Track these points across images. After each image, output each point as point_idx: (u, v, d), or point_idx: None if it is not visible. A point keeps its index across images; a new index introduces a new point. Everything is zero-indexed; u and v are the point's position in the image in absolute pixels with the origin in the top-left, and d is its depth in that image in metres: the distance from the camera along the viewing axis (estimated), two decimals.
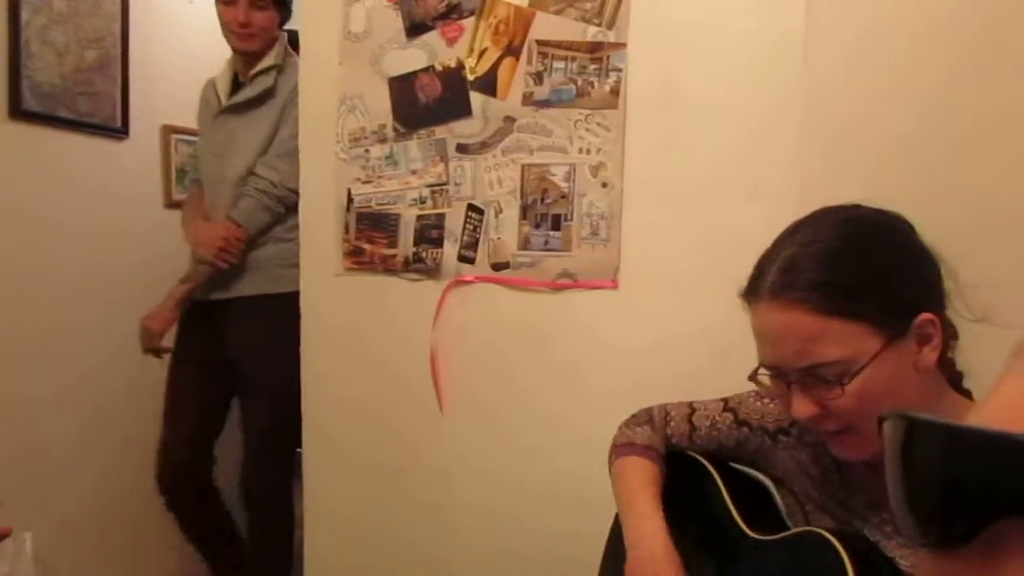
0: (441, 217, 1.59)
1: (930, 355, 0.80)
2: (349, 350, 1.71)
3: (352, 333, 1.70)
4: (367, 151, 1.65)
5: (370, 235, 1.66)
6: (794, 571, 0.86)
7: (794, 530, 0.92)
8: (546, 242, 1.48)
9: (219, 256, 1.90)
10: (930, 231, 0.85)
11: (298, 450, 1.83)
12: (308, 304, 1.74)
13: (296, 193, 1.80)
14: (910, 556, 0.82)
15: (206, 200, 2.02)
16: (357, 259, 1.67)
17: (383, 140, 1.63)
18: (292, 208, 1.86)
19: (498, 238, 1.53)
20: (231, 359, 1.97)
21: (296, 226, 1.81)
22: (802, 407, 0.81)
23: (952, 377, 0.87)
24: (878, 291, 0.80)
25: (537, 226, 1.49)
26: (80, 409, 2.13)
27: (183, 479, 1.98)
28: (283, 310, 1.78)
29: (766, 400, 1.03)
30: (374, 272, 1.66)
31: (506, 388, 1.55)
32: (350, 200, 1.67)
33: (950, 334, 0.83)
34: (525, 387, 1.53)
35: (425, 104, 1.58)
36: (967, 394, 0.88)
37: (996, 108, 1.13)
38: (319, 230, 1.71)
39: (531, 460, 1.54)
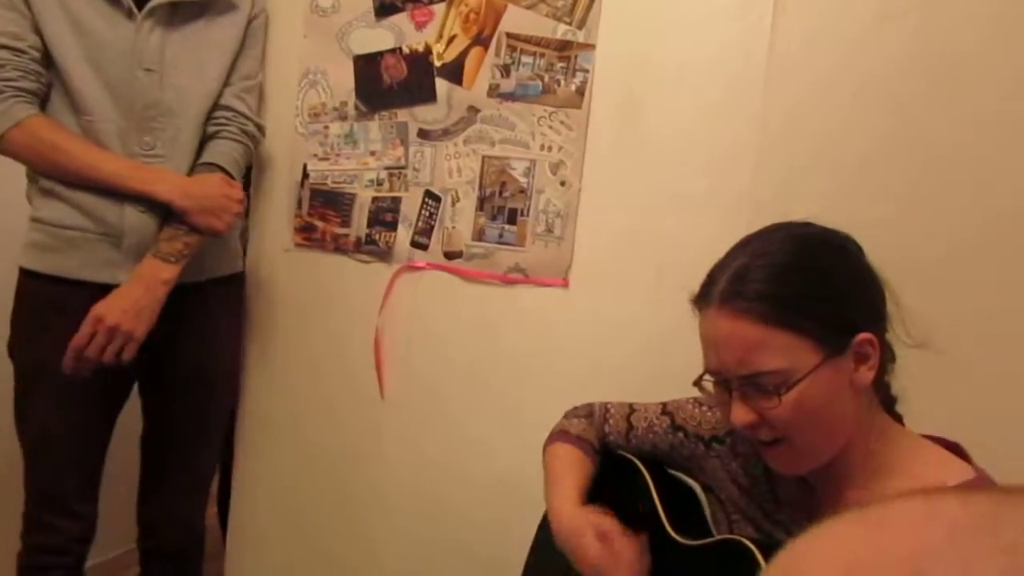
0: (397, 201, 1.56)
1: (866, 374, 0.82)
2: (293, 328, 1.67)
3: (297, 311, 1.67)
4: (326, 128, 1.61)
5: (323, 212, 1.63)
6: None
7: (717, 537, 0.93)
8: (500, 235, 1.48)
9: (231, 221, 1.42)
10: (876, 255, 0.87)
11: None
12: (255, 279, 1.70)
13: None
14: None
15: (110, 132, 1.35)
16: (308, 235, 1.64)
17: (343, 118, 1.60)
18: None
19: (453, 227, 1.52)
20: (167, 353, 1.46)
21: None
22: (740, 414, 0.83)
23: (885, 399, 0.89)
24: (821, 307, 0.82)
25: (493, 218, 1.48)
26: None
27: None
28: (238, 293, 1.61)
29: (704, 408, 1.04)
30: (324, 250, 1.63)
31: (449, 378, 1.54)
32: (305, 176, 1.63)
33: (888, 356, 0.85)
34: (468, 378, 1.53)
35: (389, 86, 1.56)
36: (899, 418, 0.91)
37: (949, 143, 1.17)
38: (271, 203, 1.67)
39: (470, 451, 1.53)
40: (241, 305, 1.65)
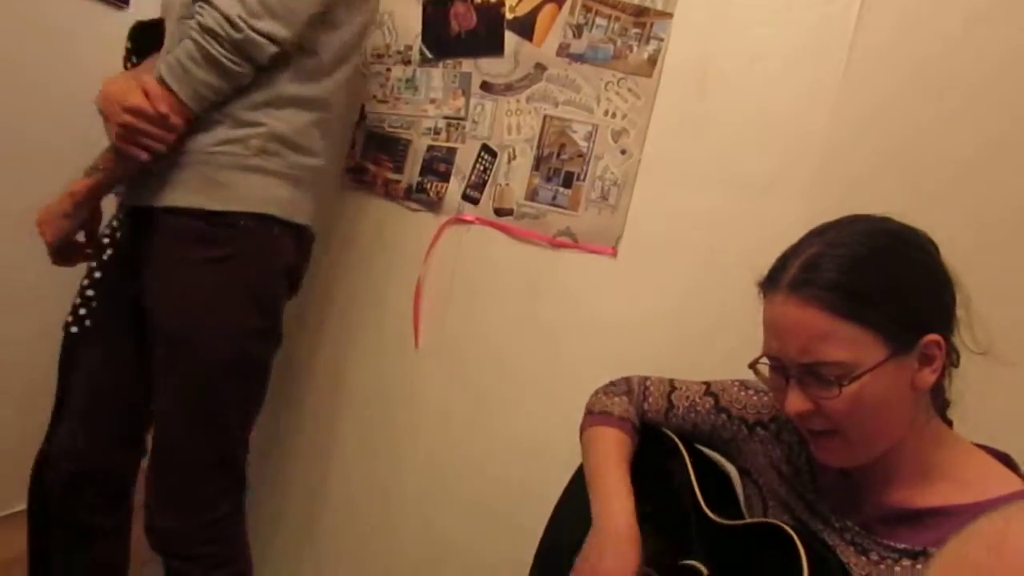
0: (452, 152, 1.55)
1: (929, 376, 0.81)
2: (333, 267, 1.68)
3: (339, 251, 1.67)
4: (388, 70, 1.60)
5: (376, 156, 1.62)
6: (751, 558, 0.87)
7: (757, 519, 0.94)
8: (554, 197, 1.46)
9: (128, 137, 1.14)
10: (952, 257, 0.86)
11: None
12: None
13: (272, 40, 1.14)
14: (865, 565, 0.84)
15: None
16: (358, 177, 1.63)
17: (406, 62, 1.58)
18: (262, 65, 1.17)
19: (506, 184, 1.51)
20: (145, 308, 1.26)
21: (268, 104, 1.20)
22: (796, 402, 0.82)
23: (939, 403, 0.88)
24: (893, 304, 0.80)
25: (548, 179, 1.47)
26: None
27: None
28: (217, 240, 1.19)
29: (749, 391, 1.04)
30: (373, 194, 1.63)
31: (485, 336, 1.54)
32: (362, 117, 1.62)
33: (951, 360, 0.84)
34: (504, 338, 1.53)
35: (457, 34, 1.53)
36: (949, 423, 0.90)
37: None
38: None
39: (496, 410, 1.54)
40: (227, 254, 1.21)
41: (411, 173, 1.59)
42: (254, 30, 1.13)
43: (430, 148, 1.57)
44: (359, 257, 1.65)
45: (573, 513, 1.15)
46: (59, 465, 1.34)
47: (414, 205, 1.59)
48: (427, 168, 1.58)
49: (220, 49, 1.13)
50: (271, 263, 1.25)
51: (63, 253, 1.27)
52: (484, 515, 1.54)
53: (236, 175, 1.20)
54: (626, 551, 0.96)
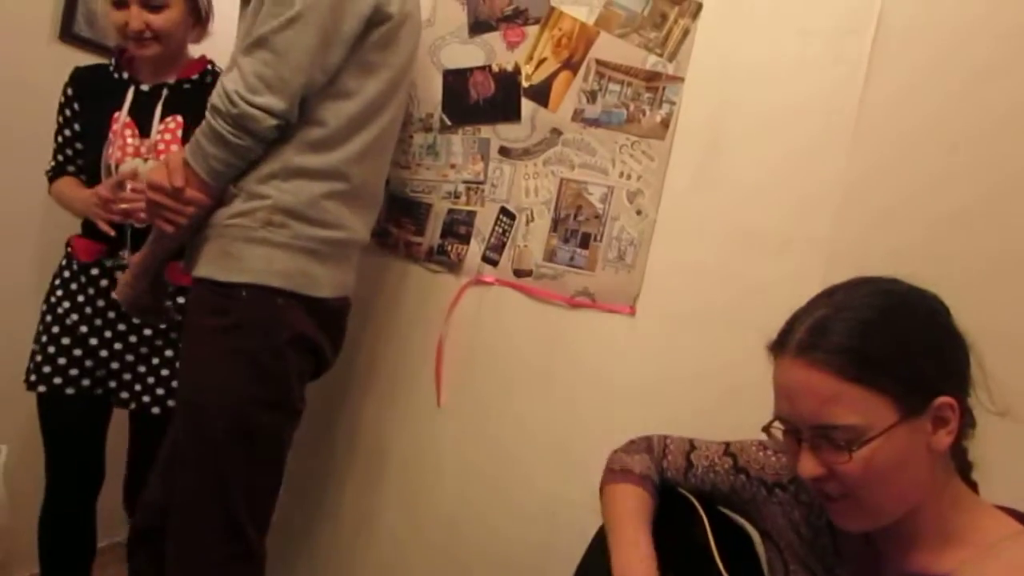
0: (472, 215, 1.59)
1: (944, 439, 0.81)
2: (358, 328, 1.71)
3: (363, 312, 1.71)
4: (411, 137, 1.66)
5: (399, 219, 1.67)
6: None
7: None
8: (572, 258, 1.49)
9: (153, 212, 1.26)
10: (960, 316, 0.86)
11: None
12: None
13: (270, 113, 1.18)
14: None
15: None
16: (381, 240, 1.68)
17: (428, 129, 1.64)
18: (265, 138, 1.22)
19: (525, 246, 1.54)
20: None
21: (274, 176, 1.23)
22: (809, 466, 0.82)
23: (961, 466, 0.88)
24: (902, 367, 0.80)
25: (566, 241, 1.50)
26: None
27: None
28: (225, 310, 1.23)
29: (768, 452, 1.04)
30: (396, 256, 1.67)
31: (506, 395, 1.56)
32: (385, 182, 1.67)
33: (968, 421, 0.84)
34: (525, 397, 1.54)
35: (476, 102, 1.59)
36: (974, 486, 0.89)
37: None
38: None
39: (516, 471, 1.54)
40: (233, 323, 1.24)
41: (432, 235, 1.63)
42: (251, 104, 1.18)
43: (450, 211, 1.62)
44: (382, 318, 1.69)
45: (596, 573, 1.14)
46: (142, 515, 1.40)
47: (435, 267, 1.63)
48: (448, 231, 1.62)
49: (223, 124, 1.19)
50: (275, 334, 1.25)
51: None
52: (511, 570, 1.53)
53: (243, 247, 1.24)
54: None
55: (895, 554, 0.85)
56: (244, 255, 1.24)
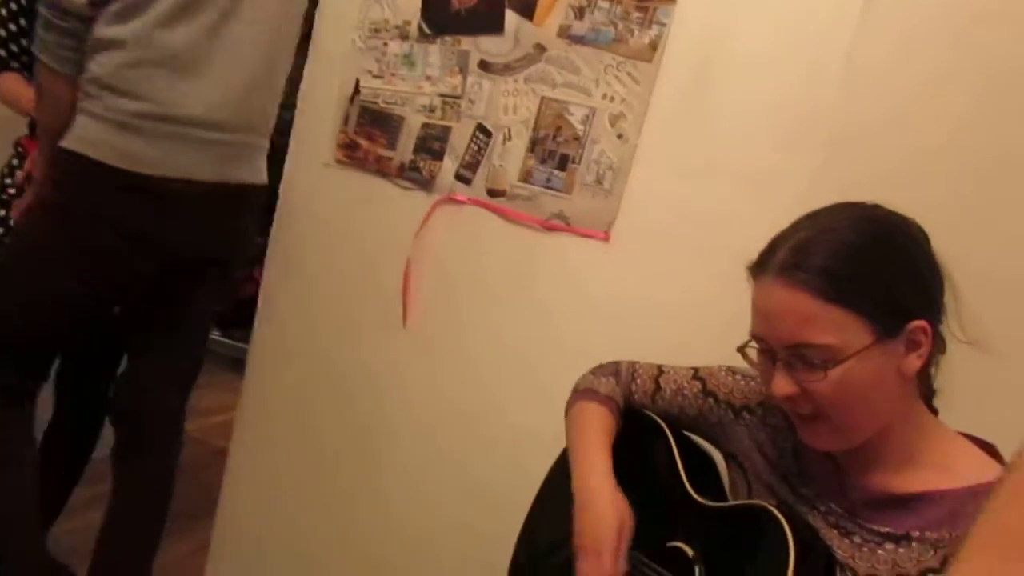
0: (447, 131, 1.54)
1: (915, 362, 0.82)
2: (321, 243, 1.67)
3: (328, 228, 1.66)
4: (385, 45, 1.58)
5: (369, 132, 1.60)
6: (737, 540, 0.88)
7: (744, 501, 0.94)
8: (548, 180, 1.46)
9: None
10: (939, 246, 0.86)
11: None
12: (290, 187, 1.69)
13: None
14: (848, 548, 0.84)
15: None
16: (350, 153, 1.62)
17: (404, 37, 1.57)
18: (82, 15, 1.28)
19: (500, 165, 1.50)
20: None
21: (91, 49, 1.30)
22: (782, 385, 0.83)
23: (925, 391, 0.89)
24: (880, 289, 0.81)
25: (543, 162, 1.46)
26: None
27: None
28: (56, 168, 1.35)
29: (737, 376, 1.04)
30: (365, 170, 1.61)
31: (474, 317, 1.54)
32: (356, 92, 1.61)
33: (938, 348, 0.84)
34: (494, 320, 1.52)
35: (457, 11, 1.52)
36: (935, 412, 0.90)
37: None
38: (316, 115, 1.65)
39: (484, 395, 1.53)
40: (56, 179, 1.38)
41: (404, 150, 1.58)
42: None
43: (424, 126, 1.56)
44: (348, 234, 1.64)
45: (554, 505, 1.15)
46: None
47: (406, 183, 1.58)
48: (421, 146, 1.56)
49: (46, 10, 1.27)
50: (81, 198, 1.33)
51: None
52: (479, 496, 1.53)
53: (74, 118, 1.34)
54: (613, 516, 0.96)
55: (859, 474, 0.87)
56: (72, 124, 1.33)
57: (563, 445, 1.17)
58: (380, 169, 1.60)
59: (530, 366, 1.49)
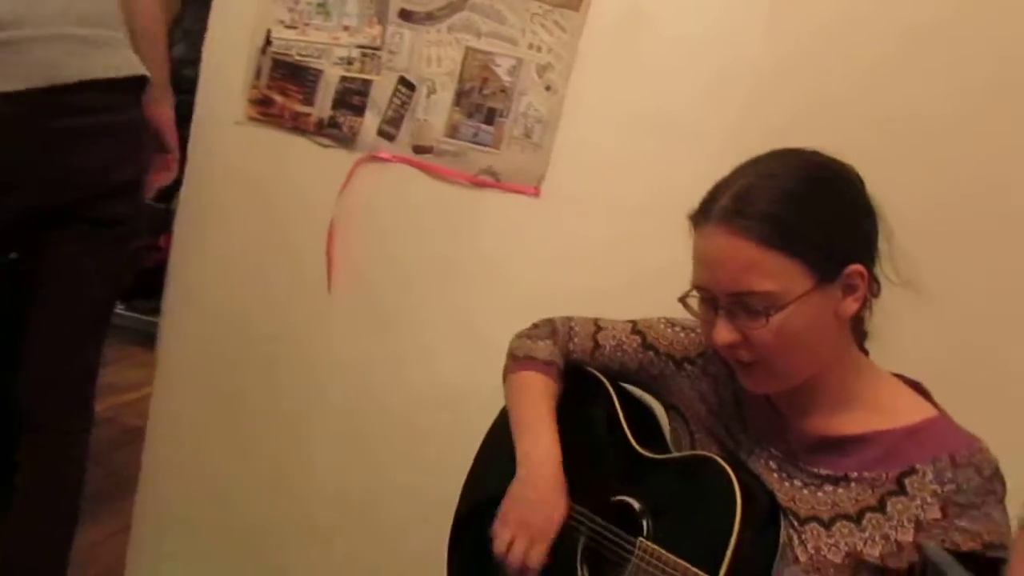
0: (367, 84, 1.47)
1: (852, 305, 0.83)
2: (236, 206, 1.57)
3: (243, 189, 1.56)
4: None
5: (284, 86, 1.51)
6: (683, 490, 0.88)
7: (688, 452, 0.94)
8: (475, 134, 1.41)
9: None
10: (876, 192, 0.87)
11: None
12: (197, 147, 1.58)
13: None
14: (789, 491, 0.86)
15: None
16: (264, 109, 1.52)
17: None
18: None
19: (425, 120, 1.44)
20: None
21: None
22: (724, 333, 0.83)
23: (858, 335, 0.91)
24: (821, 234, 0.81)
25: (470, 116, 1.41)
26: None
27: None
28: None
29: (676, 328, 1.04)
30: (281, 128, 1.52)
31: (403, 278, 1.49)
32: (268, 43, 1.50)
33: (873, 291, 0.86)
34: (424, 281, 1.47)
35: None
36: (866, 353, 0.92)
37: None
38: (224, 68, 1.54)
39: (417, 356, 1.49)
40: None
41: (322, 106, 1.49)
42: None
43: (343, 79, 1.48)
44: (265, 196, 1.55)
45: (496, 457, 1.13)
46: None
47: (326, 141, 1.50)
48: (340, 101, 1.48)
49: None
50: None
51: None
52: (408, 464, 1.50)
53: None
54: (554, 499, 0.95)
55: (798, 419, 0.88)
56: None
57: (499, 404, 1.15)
58: (297, 126, 1.51)
59: (464, 324, 1.46)
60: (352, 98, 1.47)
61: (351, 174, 1.48)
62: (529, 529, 0.94)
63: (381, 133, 1.46)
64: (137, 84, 1.35)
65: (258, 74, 1.52)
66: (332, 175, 1.49)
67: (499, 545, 0.95)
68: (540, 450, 1.00)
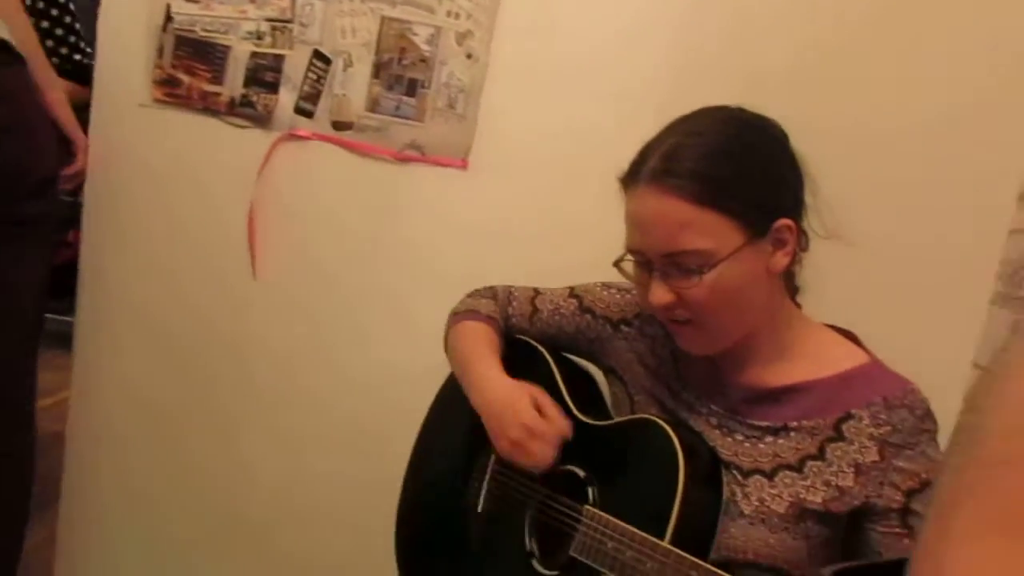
0: (279, 59, 1.40)
1: (782, 260, 0.84)
2: (147, 196, 1.48)
3: (154, 176, 1.48)
4: None
5: (190, 65, 1.43)
6: (626, 454, 0.87)
7: (629, 416, 0.94)
8: (397, 107, 1.36)
9: None
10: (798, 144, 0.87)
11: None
12: (100, 134, 1.48)
13: None
14: (731, 446, 0.87)
15: None
16: (170, 91, 1.44)
17: None
18: None
19: (344, 94, 1.38)
20: None
21: None
22: (659, 293, 0.83)
23: (790, 288, 0.92)
24: (749, 190, 0.81)
25: (390, 88, 1.36)
26: None
27: None
28: None
29: (612, 290, 1.03)
30: (190, 109, 1.44)
31: (331, 260, 1.44)
32: (168, 19, 1.42)
33: (802, 245, 0.87)
34: (353, 262, 1.43)
35: None
36: (798, 307, 0.93)
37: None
38: (123, 47, 1.44)
39: (351, 339, 1.45)
40: None
41: (233, 84, 1.42)
42: None
43: (254, 55, 1.41)
44: (178, 182, 1.47)
45: (438, 440, 1.11)
46: None
47: (240, 121, 1.43)
48: (252, 78, 1.41)
49: None
50: None
51: None
52: (344, 452, 1.47)
53: None
54: (525, 397, 0.94)
55: (735, 373, 0.89)
56: None
57: (435, 386, 1.13)
58: (208, 107, 1.44)
59: (395, 304, 1.43)
60: (264, 75, 1.41)
61: (269, 155, 1.42)
62: (531, 426, 0.91)
63: (298, 110, 1.40)
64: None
65: (160, 52, 1.43)
66: (249, 157, 1.43)
67: (519, 456, 0.91)
68: (492, 379, 0.98)
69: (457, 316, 1.09)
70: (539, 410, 0.93)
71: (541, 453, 0.90)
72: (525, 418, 0.91)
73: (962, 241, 1.17)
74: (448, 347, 1.09)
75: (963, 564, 0.22)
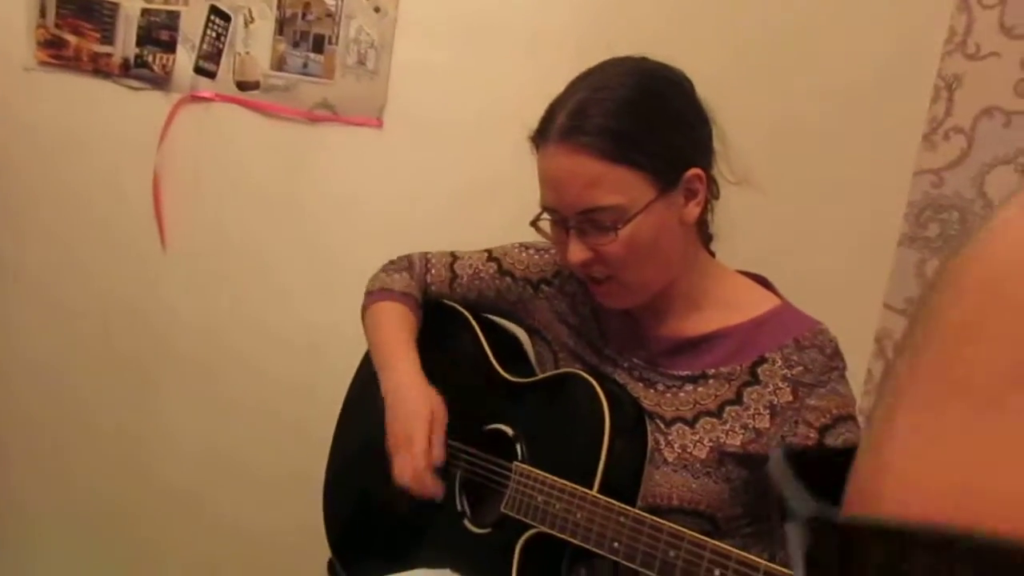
0: (174, 16, 1.32)
1: (694, 210, 0.84)
2: (39, 167, 1.39)
3: (43, 145, 1.38)
4: None
5: (76, 24, 1.33)
6: (553, 409, 0.88)
7: (553, 372, 0.94)
8: (305, 65, 1.31)
9: None
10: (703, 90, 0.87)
11: None
12: None
13: None
14: (653, 396, 0.88)
15: None
16: (56, 52, 1.34)
17: None
18: None
19: (247, 52, 1.32)
20: None
21: None
22: (576, 251, 0.83)
23: (704, 237, 0.93)
24: (658, 142, 0.81)
25: (295, 45, 1.30)
26: None
27: None
28: None
29: (531, 251, 1.03)
30: (80, 72, 1.35)
31: (244, 226, 1.39)
32: None
33: (713, 193, 0.87)
34: (268, 227, 1.38)
35: None
36: (712, 255, 0.95)
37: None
38: (0, 8, 1.33)
39: (271, 303, 1.41)
40: None
41: (125, 44, 1.33)
42: None
43: (145, 12, 1.32)
44: (72, 149, 1.38)
45: (363, 406, 1.09)
46: None
47: (135, 83, 1.35)
48: (145, 37, 1.33)
49: None
50: None
51: None
52: (271, 415, 1.43)
53: None
54: (426, 395, 0.93)
55: (654, 325, 0.90)
56: None
57: (360, 347, 1.11)
58: (99, 68, 1.35)
59: (317, 265, 1.39)
60: (159, 33, 1.32)
61: (171, 118, 1.35)
62: (411, 434, 0.91)
63: (199, 70, 1.33)
64: None
65: (43, 12, 1.33)
66: (148, 121, 1.35)
67: (399, 474, 0.91)
68: (404, 380, 0.97)
69: (372, 296, 1.06)
70: (432, 430, 0.91)
71: (409, 473, 0.90)
72: (415, 443, 0.90)
73: (869, 184, 1.20)
74: (364, 327, 1.06)
75: (921, 433, 0.18)
